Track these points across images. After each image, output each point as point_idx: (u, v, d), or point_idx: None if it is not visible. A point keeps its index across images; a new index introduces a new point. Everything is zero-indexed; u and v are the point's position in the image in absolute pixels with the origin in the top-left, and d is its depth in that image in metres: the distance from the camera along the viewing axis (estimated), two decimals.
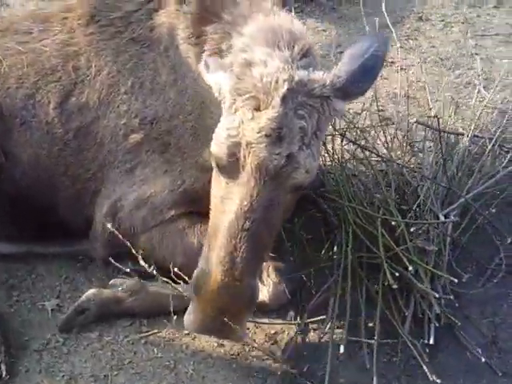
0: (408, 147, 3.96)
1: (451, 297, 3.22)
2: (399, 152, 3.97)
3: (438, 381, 3.00)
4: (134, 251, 3.21)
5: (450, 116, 4.30)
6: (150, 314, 3.40)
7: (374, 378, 3.02)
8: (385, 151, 3.87)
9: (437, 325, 3.15)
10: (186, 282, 3.16)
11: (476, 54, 5.71)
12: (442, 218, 3.36)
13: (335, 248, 3.50)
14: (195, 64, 3.40)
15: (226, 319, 2.80)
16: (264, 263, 3.20)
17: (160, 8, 3.57)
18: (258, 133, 2.75)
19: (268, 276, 3.34)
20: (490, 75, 5.38)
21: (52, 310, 3.47)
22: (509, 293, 3.64)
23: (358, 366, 3.20)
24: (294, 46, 3.04)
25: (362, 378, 3.15)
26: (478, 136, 4.04)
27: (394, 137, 4.01)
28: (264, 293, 3.29)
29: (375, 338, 3.12)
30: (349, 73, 2.91)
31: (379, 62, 3.03)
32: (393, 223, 3.36)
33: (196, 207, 3.47)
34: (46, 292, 3.58)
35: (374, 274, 3.39)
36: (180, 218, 3.49)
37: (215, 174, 2.98)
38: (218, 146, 2.85)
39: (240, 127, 2.81)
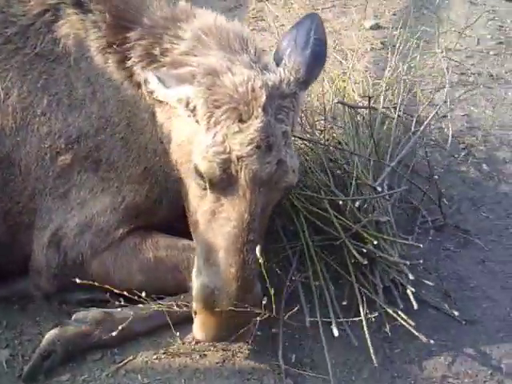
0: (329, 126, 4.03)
1: (421, 261, 3.36)
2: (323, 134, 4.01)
3: (432, 341, 3.14)
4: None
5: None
6: (119, 341, 3.18)
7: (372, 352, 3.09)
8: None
9: (413, 290, 3.24)
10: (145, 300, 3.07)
11: None
12: (379, 189, 3.46)
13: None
14: (117, 72, 3.25)
15: (239, 325, 2.88)
16: None
17: (58, 19, 3.32)
18: (248, 145, 2.75)
19: None
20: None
21: (6, 361, 3.15)
22: (443, 246, 3.86)
23: (343, 344, 3.23)
24: (247, 48, 3.06)
25: (351, 356, 3.21)
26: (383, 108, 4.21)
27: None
28: None
29: (362, 314, 3.17)
30: (305, 63, 2.97)
31: (324, 44, 3.11)
32: (340, 203, 3.42)
33: (143, 221, 3.34)
34: None
35: (335, 256, 3.44)
36: (129, 235, 3.30)
37: (197, 190, 2.94)
38: (207, 164, 2.80)
39: (226, 142, 2.78)
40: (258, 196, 2.80)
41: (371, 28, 5.88)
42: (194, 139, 2.94)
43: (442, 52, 4.95)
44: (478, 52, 5.70)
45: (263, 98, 2.79)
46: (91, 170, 3.26)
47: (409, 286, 3.23)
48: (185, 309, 3.11)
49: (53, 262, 3.23)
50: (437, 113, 4.31)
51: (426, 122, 4.01)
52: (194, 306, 2.97)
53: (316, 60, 3.03)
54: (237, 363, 3.17)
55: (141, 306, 3.15)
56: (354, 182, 3.50)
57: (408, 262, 3.25)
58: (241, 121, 2.78)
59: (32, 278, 3.33)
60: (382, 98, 4.17)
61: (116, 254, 3.27)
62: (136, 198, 3.28)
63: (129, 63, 3.20)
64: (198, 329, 2.97)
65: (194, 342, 3.22)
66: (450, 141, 4.41)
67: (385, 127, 4.08)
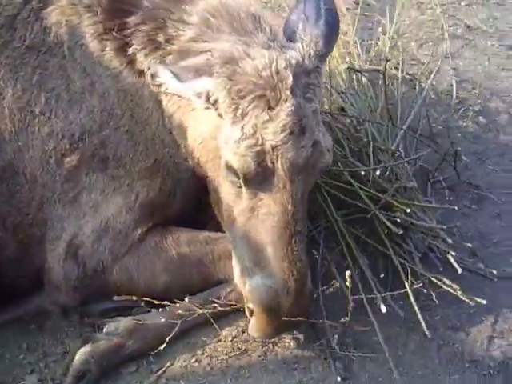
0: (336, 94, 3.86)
1: (458, 223, 3.27)
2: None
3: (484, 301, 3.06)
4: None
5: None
6: (153, 349, 2.97)
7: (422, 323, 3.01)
8: None
9: (454, 254, 3.16)
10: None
11: None
12: (401, 153, 3.37)
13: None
14: (116, 60, 3.03)
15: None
16: None
17: (46, 5, 3.06)
18: (282, 132, 2.60)
19: None
20: None
21: None
22: (459, 204, 3.73)
23: (384, 319, 3.08)
24: (261, 26, 2.89)
25: (393, 330, 3.11)
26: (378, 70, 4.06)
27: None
28: None
29: (407, 285, 3.06)
30: (322, 35, 2.82)
31: (336, 13, 2.97)
32: (362, 173, 3.28)
33: (159, 217, 3.15)
34: (16, 371, 3.00)
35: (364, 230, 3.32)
36: (148, 234, 3.10)
37: (231, 188, 2.78)
38: (240, 160, 2.63)
39: (257, 133, 2.62)
40: (298, 184, 2.66)
41: None
42: (219, 134, 2.76)
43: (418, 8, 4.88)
44: (450, 4, 5.61)
45: (290, 79, 2.63)
46: (99, 169, 3.05)
47: (450, 251, 3.16)
48: (229, 308, 2.99)
49: (72, 274, 3.03)
50: (430, 69, 4.22)
51: (429, 82, 3.90)
52: (251, 306, 2.80)
53: (331, 30, 2.88)
54: (279, 354, 3.03)
55: (172, 306, 2.98)
56: (371, 150, 3.36)
57: (445, 227, 3.16)
58: (270, 108, 2.62)
59: (49, 294, 3.12)
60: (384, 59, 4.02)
61: (138, 256, 3.08)
62: (150, 194, 3.09)
63: (130, 50, 2.98)
64: (258, 330, 2.84)
65: (230, 339, 3.08)
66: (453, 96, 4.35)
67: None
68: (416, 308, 3.02)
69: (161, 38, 2.93)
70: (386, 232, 3.18)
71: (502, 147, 4.25)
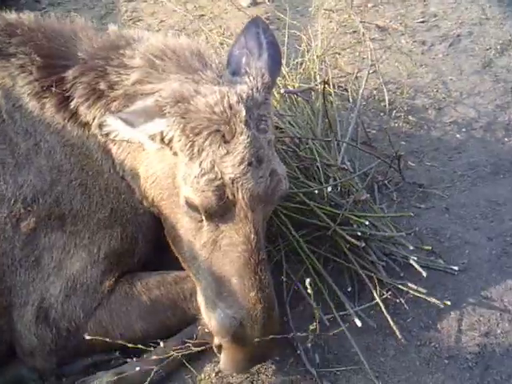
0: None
1: (416, 228, 3.36)
2: None
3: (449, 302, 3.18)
4: None
5: None
6: None
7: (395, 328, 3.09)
8: None
9: (415, 258, 3.26)
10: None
11: None
12: (350, 168, 3.44)
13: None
14: (57, 116, 3.00)
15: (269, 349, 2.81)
16: None
17: None
18: (240, 165, 2.62)
19: None
20: None
21: None
22: (407, 204, 3.87)
23: (357, 331, 3.15)
24: (207, 63, 2.91)
25: (369, 339, 3.18)
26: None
27: None
28: None
29: (376, 296, 3.13)
30: (266, 68, 2.86)
31: (277, 46, 3.02)
32: (316, 192, 3.33)
33: (124, 264, 3.13)
34: None
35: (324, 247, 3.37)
36: (117, 284, 3.08)
37: (191, 224, 2.78)
38: (201, 196, 2.64)
39: (215, 167, 2.63)
40: (259, 213, 2.69)
41: (249, 6, 5.76)
42: (176, 172, 2.76)
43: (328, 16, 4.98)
44: (356, 6, 5.73)
45: (243, 113, 2.65)
46: (57, 227, 3.00)
47: (411, 256, 3.25)
48: (202, 347, 2.98)
49: (46, 338, 2.96)
50: (356, 77, 4.32)
51: (361, 91, 3.99)
52: (218, 340, 2.81)
53: (274, 62, 2.92)
54: (266, 381, 3.05)
55: (149, 352, 2.99)
56: (320, 167, 3.42)
57: (404, 233, 3.25)
58: (226, 142, 2.63)
59: (26, 361, 3.03)
60: (317, 76, 4.11)
61: (110, 308, 3.03)
62: (112, 243, 3.06)
63: (72, 104, 2.96)
64: (229, 363, 2.84)
65: (214, 375, 3.08)
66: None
67: (318, 104, 4.01)
68: (388, 316, 3.10)
69: (102, 85, 2.91)
70: (347, 246, 3.24)
71: (435, 142, 4.38)
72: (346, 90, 4.28)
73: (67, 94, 2.95)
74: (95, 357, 3.07)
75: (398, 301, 3.25)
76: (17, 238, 2.94)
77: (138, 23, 5.59)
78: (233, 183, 2.61)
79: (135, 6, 5.87)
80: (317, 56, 4.35)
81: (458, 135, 4.44)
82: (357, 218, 3.23)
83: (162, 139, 2.69)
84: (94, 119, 2.95)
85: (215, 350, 2.87)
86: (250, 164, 2.63)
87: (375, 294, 3.14)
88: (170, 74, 2.84)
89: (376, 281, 3.20)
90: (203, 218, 2.70)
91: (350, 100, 4.15)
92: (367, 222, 3.21)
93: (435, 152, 4.31)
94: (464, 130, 4.48)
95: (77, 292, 2.98)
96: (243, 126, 2.63)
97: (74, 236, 3.00)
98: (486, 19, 5.66)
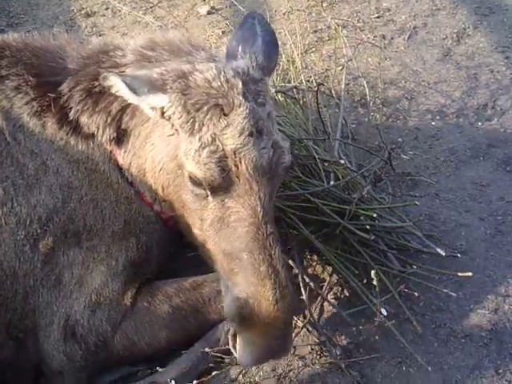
0: None
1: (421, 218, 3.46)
2: None
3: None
4: None
5: None
6: None
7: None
8: None
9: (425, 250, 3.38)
10: None
11: None
12: (348, 164, 3.52)
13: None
14: (60, 132, 3.00)
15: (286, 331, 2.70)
16: None
17: None
18: (241, 135, 2.64)
19: None
20: None
21: None
22: (399, 193, 3.97)
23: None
24: (199, 47, 2.98)
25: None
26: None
27: None
28: None
29: (392, 288, 3.19)
30: (260, 51, 2.91)
31: (273, 33, 3.06)
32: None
33: (142, 274, 3.14)
34: None
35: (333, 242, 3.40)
36: (138, 295, 3.08)
37: (197, 202, 2.75)
38: (203, 168, 2.63)
39: (216, 140, 2.64)
40: (264, 186, 2.66)
41: (209, 13, 5.79)
42: (178, 152, 2.76)
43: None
44: (313, 7, 5.85)
45: (240, 85, 2.69)
46: (74, 244, 2.98)
47: (426, 243, 3.36)
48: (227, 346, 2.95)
49: (76, 356, 2.94)
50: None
51: (343, 87, 4.09)
52: (232, 328, 2.76)
53: (269, 47, 2.96)
54: (293, 378, 3.10)
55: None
56: (320, 166, 3.49)
57: (411, 223, 3.33)
58: (225, 115, 2.66)
59: (54, 382, 3.00)
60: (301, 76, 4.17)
61: (134, 319, 3.04)
62: (129, 255, 3.07)
63: (71, 116, 2.96)
64: (244, 351, 2.71)
65: (241, 376, 3.10)
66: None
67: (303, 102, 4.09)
68: (403, 305, 3.18)
69: (98, 88, 2.91)
70: (356, 240, 3.29)
71: (413, 132, 4.51)
72: (327, 87, 4.37)
73: (66, 107, 2.95)
74: (123, 370, 3.06)
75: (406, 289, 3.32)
76: (36, 258, 2.91)
77: (99, 37, 5.54)
78: (235, 154, 2.62)
79: (94, 20, 5.85)
80: (297, 54, 4.42)
81: (433, 123, 4.59)
82: (365, 212, 3.29)
83: (162, 114, 2.72)
84: (98, 128, 2.96)
85: (230, 343, 2.82)
86: (250, 134, 2.65)
87: (390, 286, 3.19)
88: (163, 61, 2.87)
89: (391, 272, 3.28)
90: (208, 193, 2.69)
91: (334, 97, 4.22)
92: (375, 215, 3.28)
93: (415, 141, 4.44)
94: (438, 117, 4.63)
95: (101, 306, 2.97)
96: (241, 98, 2.67)
97: (91, 251, 2.99)
98: (437, 10, 5.87)
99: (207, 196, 2.71)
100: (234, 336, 2.78)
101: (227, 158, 2.62)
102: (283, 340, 2.73)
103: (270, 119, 2.77)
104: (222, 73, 2.71)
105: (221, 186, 2.65)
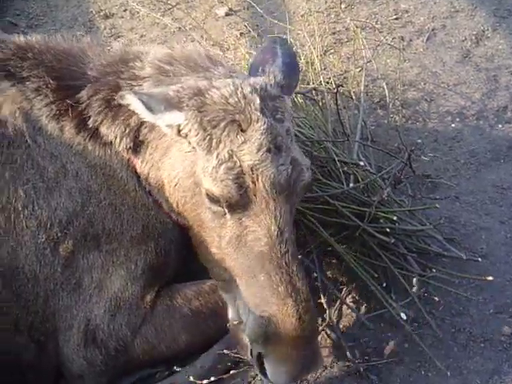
0: None
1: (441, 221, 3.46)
2: None
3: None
4: None
5: None
6: None
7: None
8: None
9: (444, 253, 3.37)
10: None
11: None
12: (367, 166, 3.52)
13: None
14: (78, 136, 3.00)
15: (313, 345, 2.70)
16: None
17: None
18: (258, 151, 2.61)
19: None
20: None
21: None
22: (419, 196, 3.95)
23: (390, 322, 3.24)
24: (218, 62, 2.97)
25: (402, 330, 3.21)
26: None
27: None
28: None
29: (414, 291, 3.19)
30: (279, 70, 2.88)
31: (294, 55, 3.11)
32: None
33: (161, 278, 3.15)
34: None
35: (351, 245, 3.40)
36: (157, 299, 3.09)
37: (215, 220, 2.73)
38: (221, 185, 2.61)
39: (233, 156, 2.61)
40: (281, 204, 2.63)
41: (227, 15, 5.79)
42: (195, 169, 2.75)
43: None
44: (331, 9, 5.83)
45: (257, 101, 2.67)
46: (93, 248, 3.00)
47: (446, 246, 3.35)
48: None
49: (96, 360, 2.96)
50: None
51: (362, 89, 4.07)
52: (259, 348, 2.69)
53: (289, 68, 2.94)
54: (312, 381, 3.09)
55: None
56: (340, 168, 3.49)
57: (432, 226, 3.31)
58: (242, 130, 2.64)
59: None
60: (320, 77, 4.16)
61: (154, 323, 3.05)
62: (148, 259, 3.07)
63: (90, 123, 2.97)
64: (278, 371, 2.67)
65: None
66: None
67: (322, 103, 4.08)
68: (422, 309, 3.17)
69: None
70: (375, 243, 3.28)
71: (433, 134, 4.48)
72: (347, 89, 4.36)
73: (84, 115, 2.96)
74: (141, 372, 3.07)
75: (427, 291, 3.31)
76: (56, 261, 2.93)
77: (118, 39, 5.57)
78: (252, 170, 2.60)
79: (113, 22, 5.84)
80: (316, 56, 4.42)
81: (453, 125, 4.55)
82: (385, 215, 3.28)
83: (179, 132, 2.71)
84: (115, 138, 2.97)
85: (256, 365, 2.75)
86: (268, 150, 2.62)
87: (409, 290, 3.19)
88: (181, 76, 2.87)
89: (411, 276, 3.26)
90: (226, 211, 2.66)
91: (353, 98, 4.21)
92: (395, 217, 3.27)
93: (435, 143, 4.41)
94: (458, 119, 4.59)
95: (121, 310, 2.98)
96: (258, 114, 2.65)
97: (111, 255, 3.00)
98: (455, 12, 5.79)
99: (225, 214, 2.69)
100: (259, 358, 2.73)
101: (245, 174, 2.60)
102: (312, 353, 2.73)
103: (289, 136, 2.75)
104: (240, 89, 2.70)
105: (238, 203, 2.63)
